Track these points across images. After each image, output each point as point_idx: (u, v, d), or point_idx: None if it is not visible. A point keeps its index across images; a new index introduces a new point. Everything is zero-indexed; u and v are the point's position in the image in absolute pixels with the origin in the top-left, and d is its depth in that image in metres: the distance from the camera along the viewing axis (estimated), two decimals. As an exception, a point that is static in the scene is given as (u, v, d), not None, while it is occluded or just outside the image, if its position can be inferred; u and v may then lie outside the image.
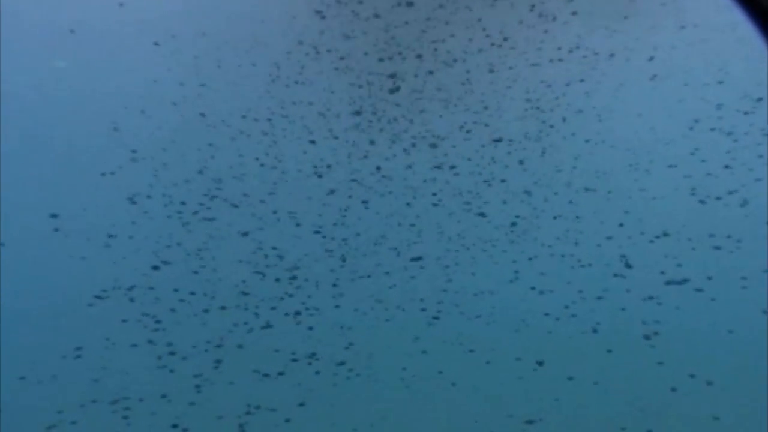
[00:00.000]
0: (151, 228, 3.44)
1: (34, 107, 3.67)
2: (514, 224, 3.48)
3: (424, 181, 3.58)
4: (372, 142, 3.59)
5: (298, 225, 3.44)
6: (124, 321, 3.21)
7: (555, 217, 3.49)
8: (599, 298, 3.20)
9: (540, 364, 3.03)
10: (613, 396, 2.93)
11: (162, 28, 3.70)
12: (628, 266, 3.27)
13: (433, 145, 3.61)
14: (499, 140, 3.61)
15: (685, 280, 3.18)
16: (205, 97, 3.73)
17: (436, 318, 3.29)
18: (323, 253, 3.42)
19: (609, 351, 3.03)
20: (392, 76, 3.64)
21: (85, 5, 3.70)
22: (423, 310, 3.26)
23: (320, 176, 3.53)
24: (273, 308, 3.28)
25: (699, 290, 3.14)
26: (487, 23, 3.61)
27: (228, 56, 3.77)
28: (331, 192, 3.53)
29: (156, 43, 3.59)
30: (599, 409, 2.92)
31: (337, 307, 3.28)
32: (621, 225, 3.42)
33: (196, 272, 3.32)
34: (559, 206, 3.53)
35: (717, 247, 3.29)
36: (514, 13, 3.60)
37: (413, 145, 3.62)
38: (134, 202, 3.45)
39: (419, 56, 3.65)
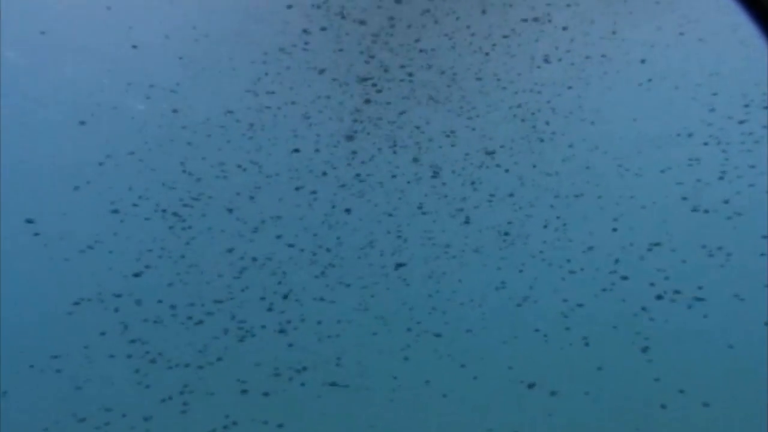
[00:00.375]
0: (130, 235, 3.35)
1: (11, 110, 3.55)
2: (503, 232, 3.42)
3: (408, 182, 3.50)
4: (354, 152, 3.50)
5: (279, 235, 3.36)
6: (102, 331, 3.14)
7: (545, 226, 3.42)
8: (590, 310, 3.14)
9: (531, 386, 2.98)
10: (605, 410, 2.89)
11: (145, 27, 3.57)
12: (623, 278, 3.21)
13: (417, 157, 3.53)
14: (488, 148, 3.53)
15: (677, 292, 3.12)
16: (187, 98, 3.62)
17: (424, 329, 3.23)
18: (308, 262, 3.34)
19: (600, 364, 2.98)
20: (378, 81, 3.56)
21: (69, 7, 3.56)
22: (409, 329, 3.20)
23: (301, 186, 3.44)
24: (256, 318, 3.21)
25: (692, 303, 3.09)
26: (477, 30, 3.53)
27: (214, 55, 3.65)
28: (315, 199, 3.45)
29: (134, 46, 3.48)
30: (590, 424, 2.87)
31: (321, 320, 3.22)
32: (612, 233, 3.36)
33: (175, 283, 3.24)
34: (549, 213, 3.46)
35: (710, 256, 3.24)
36: (505, 20, 3.51)
37: (399, 150, 3.53)
38: (116, 210, 3.35)
39: (407, 62, 3.56)
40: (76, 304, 3.21)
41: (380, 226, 3.44)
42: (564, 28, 3.51)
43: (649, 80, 3.54)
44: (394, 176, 3.51)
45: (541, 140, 3.60)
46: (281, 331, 3.18)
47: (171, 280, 3.25)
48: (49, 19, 3.44)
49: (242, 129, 3.53)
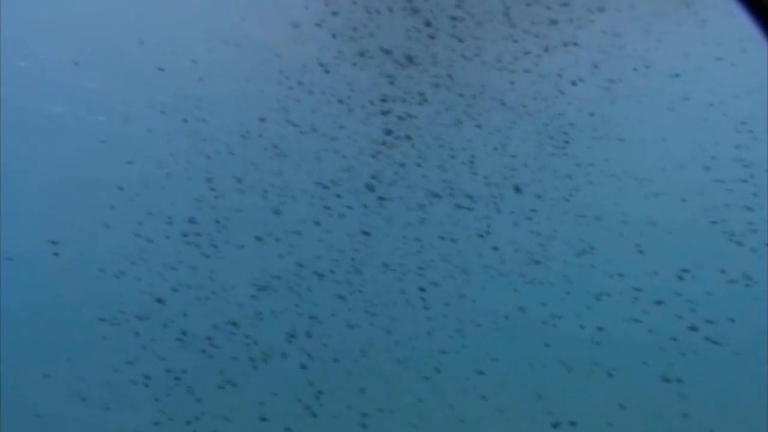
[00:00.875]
0: (152, 256, 3.35)
1: (35, 126, 3.57)
2: (527, 255, 3.38)
3: (431, 203, 3.47)
4: (377, 174, 3.48)
5: (301, 258, 3.35)
6: (122, 354, 3.14)
7: (568, 249, 3.38)
8: (615, 339, 3.10)
9: (552, 413, 2.95)
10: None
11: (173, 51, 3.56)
12: (652, 306, 3.15)
13: (440, 178, 3.50)
14: (512, 169, 3.49)
15: (707, 322, 3.06)
16: (210, 118, 3.61)
17: (445, 353, 3.21)
18: (329, 285, 3.33)
19: (625, 395, 2.94)
20: (401, 104, 3.53)
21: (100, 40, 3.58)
22: (431, 352, 3.18)
23: (323, 208, 3.43)
24: (277, 341, 3.20)
25: (722, 336, 3.02)
26: (503, 53, 3.48)
27: (237, 76, 3.64)
28: (339, 218, 3.43)
29: (161, 68, 3.47)
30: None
31: (342, 343, 3.20)
32: (636, 258, 3.31)
33: (196, 307, 3.24)
34: (572, 236, 3.41)
35: (734, 283, 3.18)
36: (532, 43, 3.47)
37: (422, 172, 3.51)
38: (138, 230, 3.36)
39: (431, 85, 3.54)
40: (98, 323, 3.21)
41: (402, 248, 3.41)
42: (591, 51, 3.46)
43: (685, 99, 3.47)
44: (416, 198, 3.48)
45: (566, 162, 3.55)
46: (302, 357, 3.17)
47: (193, 304, 3.25)
48: (81, 50, 3.46)
49: (266, 149, 3.51)
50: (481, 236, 3.43)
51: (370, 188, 3.47)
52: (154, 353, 3.16)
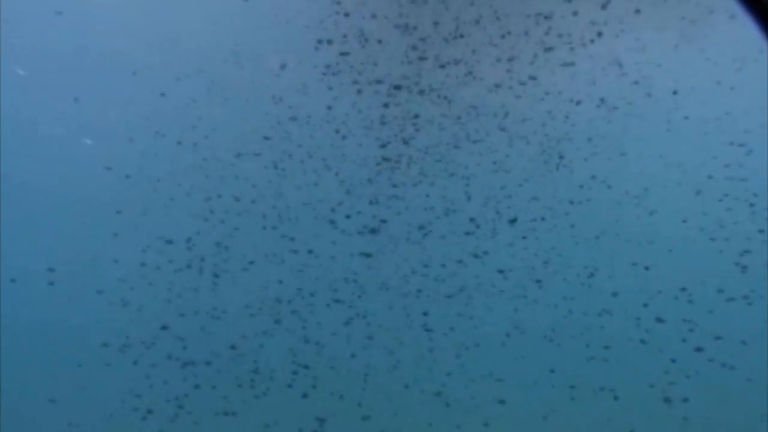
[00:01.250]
0: (155, 282, 3.35)
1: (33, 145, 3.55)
2: (528, 275, 3.39)
3: (430, 223, 3.47)
4: (377, 197, 3.48)
5: (303, 283, 3.34)
6: (124, 383, 3.13)
7: (568, 269, 3.38)
8: (618, 360, 3.10)
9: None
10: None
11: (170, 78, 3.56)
12: (654, 324, 3.15)
13: (438, 200, 3.50)
14: (510, 189, 3.49)
15: (707, 344, 3.06)
16: (212, 139, 3.60)
17: (451, 376, 3.21)
18: (332, 310, 3.32)
19: (630, 417, 2.94)
20: (400, 127, 3.54)
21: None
22: (434, 375, 3.18)
23: (325, 231, 3.43)
24: (280, 367, 3.20)
25: (729, 358, 3.02)
26: (502, 75, 3.50)
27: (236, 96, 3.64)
28: (343, 239, 3.43)
29: (162, 94, 3.47)
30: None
31: (347, 368, 3.20)
32: (638, 278, 3.31)
33: (197, 334, 3.23)
34: (572, 256, 3.41)
35: (736, 303, 3.18)
36: (530, 65, 3.48)
37: (420, 193, 3.51)
38: (141, 257, 3.34)
39: (430, 107, 3.54)
40: (101, 350, 3.20)
41: (403, 269, 3.41)
42: (589, 72, 3.47)
43: (685, 118, 3.47)
44: (415, 219, 3.48)
45: (565, 181, 3.56)
46: (305, 383, 3.17)
47: (195, 330, 3.25)
48: (80, 86, 3.46)
49: (266, 168, 3.51)
50: (481, 256, 3.43)
51: (369, 210, 3.47)
52: (157, 381, 3.14)
